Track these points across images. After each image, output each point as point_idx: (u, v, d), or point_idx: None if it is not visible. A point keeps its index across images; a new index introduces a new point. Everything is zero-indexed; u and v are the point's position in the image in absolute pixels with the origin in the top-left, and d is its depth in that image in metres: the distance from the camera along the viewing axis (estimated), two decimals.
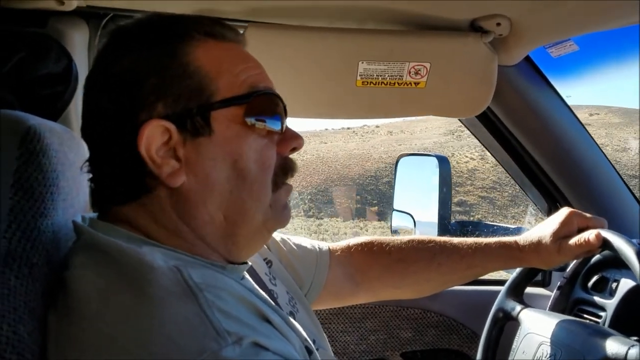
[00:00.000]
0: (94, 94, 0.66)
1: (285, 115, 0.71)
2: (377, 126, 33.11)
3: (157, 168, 0.62)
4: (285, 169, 0.71)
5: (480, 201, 19.89)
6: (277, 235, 1.01)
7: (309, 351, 0.67)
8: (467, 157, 23.49)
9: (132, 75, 0.63)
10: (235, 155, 0.65)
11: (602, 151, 1.46)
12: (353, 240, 1.11)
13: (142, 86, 0.63)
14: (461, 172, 21.97)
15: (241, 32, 1.11)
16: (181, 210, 0.64)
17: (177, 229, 0.65)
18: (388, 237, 1.12)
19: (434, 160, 1.97)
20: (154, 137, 0.61)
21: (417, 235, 1.15)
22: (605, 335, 0.94)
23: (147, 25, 0.68)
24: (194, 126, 0.63)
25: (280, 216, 0.72)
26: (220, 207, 0.65)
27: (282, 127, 0.70)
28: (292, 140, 0.71)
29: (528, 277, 1.21)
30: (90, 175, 0.68)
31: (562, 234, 1.03)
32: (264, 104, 0.67)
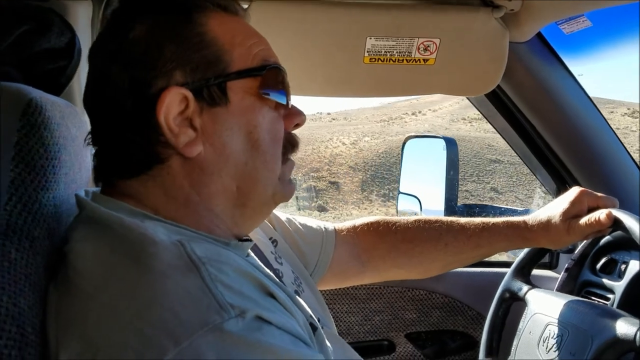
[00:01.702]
0: (103, 62, 0.64)
1: (290, 91, 0.72)
2: (329, 113, 32.53)
3: (174, 137, 0.61)
4: (292, 143, 0.73)
5: (329, 187, 19.50)
6: (283, 215, 1.01)
7: (314, 328, 0.66)
8: (340, 142, 22.86)
9: (149, 42, 0.62)
10: (250, 126, 0.65)
11: (613, 131, 1.44)
12: (359, 221, 1.10)
13: (161, 53, 0.62)
14: (324, 157, 21.48)
15: (245, 6, 1.09)
16: (194, 180, 0.64)
17: (189, 199, 0.64)
18: (394, 217, 1.11)
19: (442, 142, 1.95)
20: (173, 105, 0.61)
21: (424, 216, 1.14)
22: (614, 316, 0.93)
23: None
24: (211, 96, 0.63)
25: (287, 189, 0.72)
26: (234, 177, 0.65)
27: (287, 102, 0.70)
28: (297, 116, 0.72)
29: (535, 257, 1.20)
30: (94, 149, 0.67)
31: (572, 214, 1.01)
32: (275, 78, 0.68)
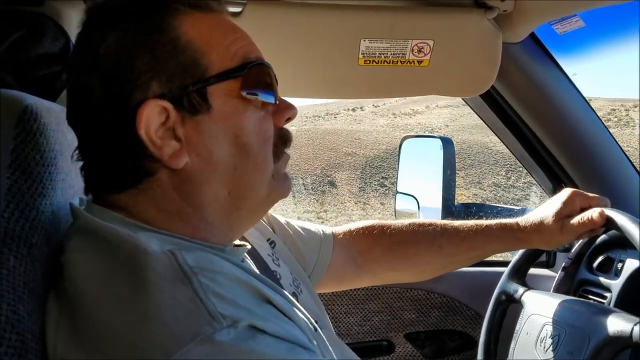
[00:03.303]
0: (80, 77, 0.62)
1: (277, 85, 0.69)
2: None
3: (157, 150, 0.59)
4: (284, 139, 0.70)
5: None
6: (282, 218, 1.01)
7: (315, 330, 0.66)
8: None
9: (121, 54, 0.59)
10: (236, 131, 0.63)
11: (608, 130, 1.44)
12: (355, 224, 1.11)
13: (134, 65, 0.59)
14: None
15: (239, 9, 1.10)
16: (185, 191, 0.62)
17: (181, 211, 0.63)
18: (389, 221, 1.12)
19: (438, 142, 1.96)
20: (152, 117, 0.59)
21: (418, 219, 1.15)
22: (610, 314, 0.94)
23: (127, 1, 0.63)
24: (191, 104, 0.61)
25: (283, 186, 0.70)
26: (224, 184, 0.64)
27: (275, 98, 0.67)
28: (287, 110, 0.69)
29: (530, 259, 1.20)
30: (81, 164, 0.66)
31: (564, 214, 1.02)
32: (258, 75, 0.65)
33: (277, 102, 0.68)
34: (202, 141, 0.61)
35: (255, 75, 0.64)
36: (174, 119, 0.60)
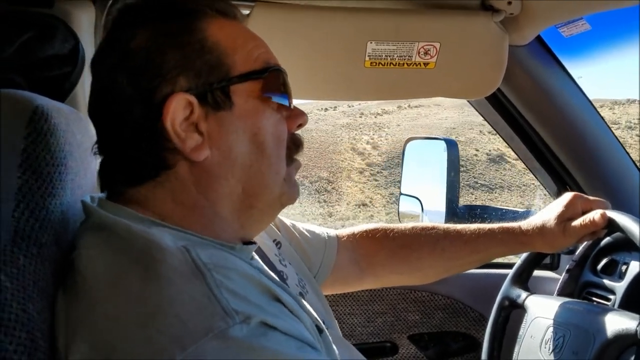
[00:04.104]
0: (107, 71, 0.65)
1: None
2: None
3: (181, 142, 0.62)
4: (297, 143, 0.73)
5: None
6: (287, 220, 1.02)
7: (319, 330, 0.67)
8: None
9: (152, 50, 0.63)
10: (254, 129, 0.66)
11: (613, 133, 1.44)
12: (358, 227, 1.11)
13: (164, 60, 0.63)
14: None
15: (247, 11, 1.10)
16: (202, 184, 0.65)
17: (196, 204, 0.65)
18: (392, 224, 1.12)
19: (442, 144, 1.96)
20: (178, 110, 0.62)
21: (421, 223, 1.15)
22: (614, 312, 0.94)
23: (157, 2, 0.67)
24: (215, 100, 0.64)
25: (293, 191, 0.73)
26: (240, 179, 0.66)
27: (290, 103, 0.71)
28: (299, 117, 0.73)
29: (533, 263, 1.21)
30: (99, 159, 0.68)
31: (566, 216, 1.02)
32: (277, 80, 0.69)
33: (292, 107, 0.72)
34: (223, 136, 0.64)
35: (274, 80, 0.68)
36: (197, 114, 0.63)
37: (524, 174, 16.43)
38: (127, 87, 0.63)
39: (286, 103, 0.70)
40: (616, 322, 0.90)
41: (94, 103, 0.67)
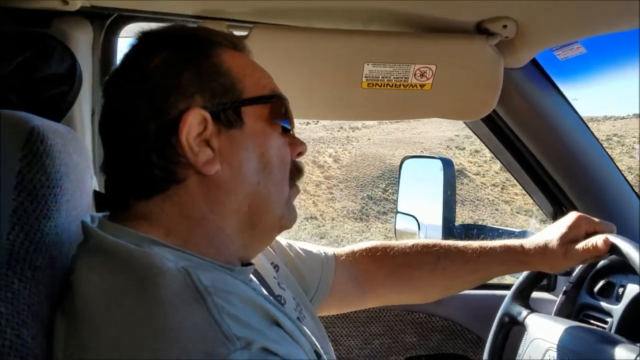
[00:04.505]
0: (124, 91, 0.68)
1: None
2: None
3: (194, 156, 0.64)
4: (298, 168, 0.77)
5: None
6: (283, 240, 1.01)
7: (318, 355, 0.66)
8: None
9: (170, 69, 0.67)
10: (262, 148, 0.70)
11: (608, 154, 1.45)
12: (357, 246, 1.10)
13: (181, 79, 0.66)
14: None
15: (245, 33, 1.11)
16: (211, 198, 0.66)
17: (203, 218, 0.66)
18: (392, 242, 1.11)
19: (438, 163, 1.97)
20: (193, 125, 0.64)
21: (422, 240, 1.14)
22: (613, 342, 0.94)
23: (175, 30, 0.73)
24: (228, 119, 0.67)
25: (292, 215, 0.76)
26: (247, 196, 0.69)
27: (292, 129, 0.76)
28: (300, 145, 0.77)
29: (534, 281, 1.20)
30: (95, 179, 0.68)
31: (569, 238, 1.01)
32: (282, 107, 0.73)
33: (293, 134, 0.77)
34: (233, 153, 0.67)
35: (279, 106, 0.73)
36: (210, 130, 0.66)
37: (481, 188, 16.49)
38: (144, 105, 0.65)
39: (289, 127, 0.74)
40: (615, 353, 0.90)
41: (106, 121, 0.70)
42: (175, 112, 0.65)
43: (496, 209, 15.72)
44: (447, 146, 19.66)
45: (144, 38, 0.72)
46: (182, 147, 0.64)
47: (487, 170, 17.21)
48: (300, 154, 0.77)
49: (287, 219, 0.74)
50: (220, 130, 0.67)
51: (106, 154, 0.70)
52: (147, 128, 0.65)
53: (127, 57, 0.71)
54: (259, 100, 0.70)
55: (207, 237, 0.66)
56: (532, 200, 1.63)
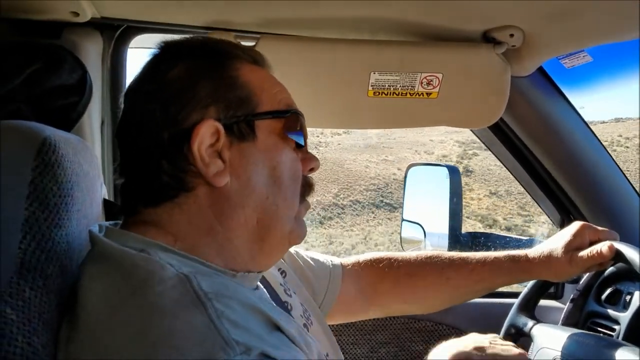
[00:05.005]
0: (142, 100, 0.69)
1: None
2: None
3: (204, 166, 0.65)
4: (309, 183, 0.76)
5: None
6: (291, 248, 1.02)
7: None
8: None
9: (186, 80, 0.68)
10: (274, 163, 0.70)
11: (615, 162, 1.45)
12: (362, 256, 1.11)
13: (196, 90, 0.67)
14: None
15: (253, 43, 1.12)
16: (219, 209, 0.66)
17: (211, 228, 0.66)
18: (397, 253, 1.12)
19: (445, 171, 1.96)
20: (206, 136, 0.65)
21: (426, 251, 1.15)
22: (619, 347, 0.93)
23: (196, 42, 0.74)
24: (240, 131, 0.68)
25: (301, 230, 0.75)
26: (255, 210, 0.68)
27: (305, 144, 0.76)
28: (312, 160, 0.77)
29: (539, 292, 1.20)
30: (105, 188, 0.69)
31: (573, 246, 1.02)
32: (296, 122, 0.74)
33: (307, 150, 0.77)
34: (244, 166, 0.68)
35: (294, 121, 0.73)
36: (222, 142, 0.66)
37: None
38: (160, 113, 0.66)
39: (302, 143, 0.74)
40: (621, 356, 0.90)
41: (124, 126, 0.71)
42: (190, 122, 0.65)
43: None
44: (415, 151, 19.60)
45: (165, 48, 0.73)
46: (193, 156, 0.64)
47: None
48: (312, 169, 0.77)
49: (296, 234, 0.74)
50: (232, 142, 0.67)
51: (121, 159, 0.71)
52: (161, 136, 0.65)
53: (148, 65, 0.73)
54: (273, 115, 0.71)
55: (215, 248, 0.66)
56: (539, 208, 1.63)
